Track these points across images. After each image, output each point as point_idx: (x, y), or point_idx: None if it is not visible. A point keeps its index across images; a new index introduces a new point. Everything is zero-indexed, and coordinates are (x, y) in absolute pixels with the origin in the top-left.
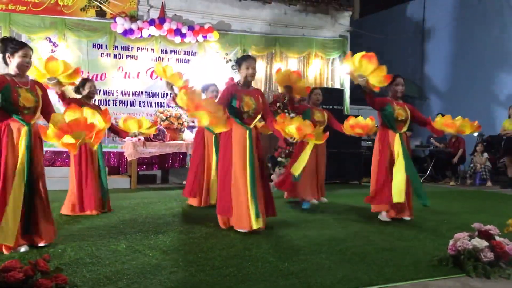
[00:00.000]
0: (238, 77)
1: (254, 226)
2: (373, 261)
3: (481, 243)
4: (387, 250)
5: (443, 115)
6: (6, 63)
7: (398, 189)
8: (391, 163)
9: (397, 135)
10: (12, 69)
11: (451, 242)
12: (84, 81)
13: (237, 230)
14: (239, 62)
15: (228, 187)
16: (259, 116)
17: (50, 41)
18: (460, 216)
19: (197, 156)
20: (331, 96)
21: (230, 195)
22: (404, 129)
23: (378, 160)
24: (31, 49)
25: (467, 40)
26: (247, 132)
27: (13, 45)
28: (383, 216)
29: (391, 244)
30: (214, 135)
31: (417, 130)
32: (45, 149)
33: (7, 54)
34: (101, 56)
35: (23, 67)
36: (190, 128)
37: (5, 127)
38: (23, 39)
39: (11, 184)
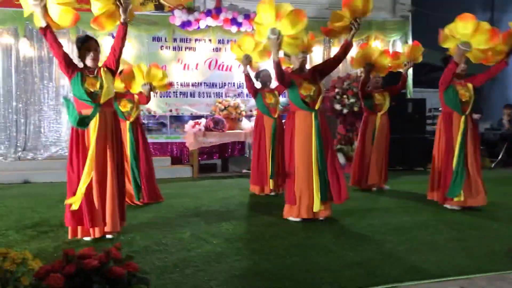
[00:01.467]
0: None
1: (316, 209)
2: (443, 251)
3: None
4: (458, 240)
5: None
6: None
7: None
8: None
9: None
10: (86, 63)
11: None
12: None
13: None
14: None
15: (292, 176)
16: (321, 97)
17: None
18: None
19: (256, 144)
20: (393, 79)
21: (294, 185)
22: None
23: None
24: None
25: None
26: (313, 114)
27: (82, 41)
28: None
29: (462, 234)
30: (273, 120)
31: (488, 113)
32: None
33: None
34: (161, 49)
35: (94, 61)
36: (248, 117)
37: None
38: None
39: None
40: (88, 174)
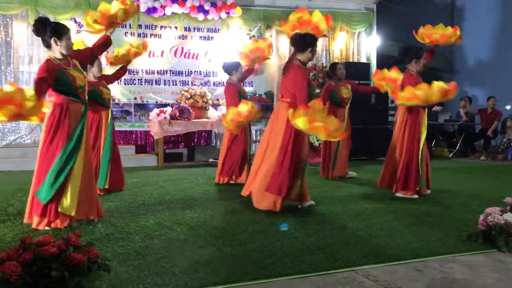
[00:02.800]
0: None
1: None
2: (400, 236)
3: None
4: (414, 225)
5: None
6: (49, 46)
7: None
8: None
9: None
10: (58, 51)
11: (481, 217)
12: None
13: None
14: None
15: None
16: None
17: (75, 21)
18: (491, 191)
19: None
20: (357, 71)
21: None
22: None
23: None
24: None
25: (498, 11)
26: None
27: (60, 28)
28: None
29: (419, 220)
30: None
31: (446, 104)
32: None
33: (54, 38)
34: (125, 35)
35: (70, 49)
36: (215, 106)
37: (66, 109)
38: None
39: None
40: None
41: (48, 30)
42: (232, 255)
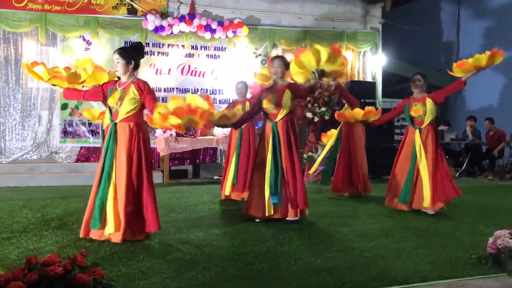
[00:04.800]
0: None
1: (267, 213)
2: (408, 258)
3: None
4: (422, 247)
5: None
6: (137, 67)
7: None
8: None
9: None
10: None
11: (490, 240)
12: None
13: (255, 218)
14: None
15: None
16: (283, 110)
17: (84, 39)
18: (498, 212)
19: (229, 152)
20: (363, 89)
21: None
22: (424, 124)
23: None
24: None
25: (503, 31)
26: (271, 125)
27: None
28: None
29: (426, 241)
30: (239, 130)
31: (453, 123)
32: (79, 145)
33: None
34: None
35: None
36: None
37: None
38: (58, 38)
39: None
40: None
41: (142, 53)
42: (238, 277)
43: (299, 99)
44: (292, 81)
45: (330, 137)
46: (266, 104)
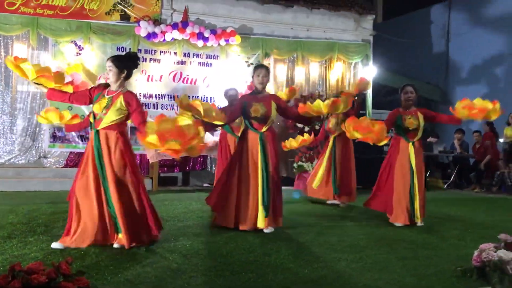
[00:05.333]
0: None
1: (260, 225)
2: (395, 270)
3: (508, 255)
4: (409, 258)
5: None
6: (130, 76)
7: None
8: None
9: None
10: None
11: (476, 253)
12: None
13: (241, 229)
14: (252, 72)
15: (229, 186)
16: (270, 121)
17: (76, 44)
18: (485, 224)
19: (220, 161)
20: (353, 100)
21: (230, 195)
22: (416, 138)
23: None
24: None
25: (492, 43)
26: (258, 136)
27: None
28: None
29: (413, 253)
30: (236, 139)
31: (442, 136)
32: (68, 150)
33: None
34: None
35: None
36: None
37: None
38: (50, 43)
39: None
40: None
41: (136, 63)
42: (225, 286)
43: (281, 115)
44: (272, 93)
45: (298, 141)
46: (254, 113)
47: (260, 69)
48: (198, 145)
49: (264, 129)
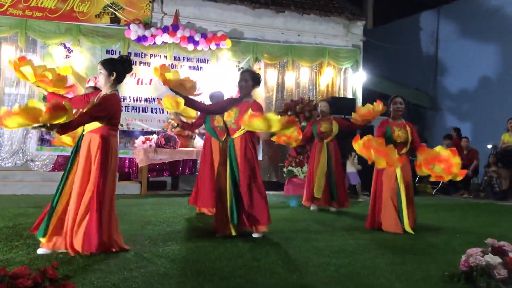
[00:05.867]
0: None
1: (233, 233)
2: (383, 275)
3: (495, 259)
4: (397, 264)
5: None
6: (121, 80)
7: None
8: None
9: None
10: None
11: (463, 257)
12: None
13: (217, 236)
14: None
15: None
16: (241, 128)
17: (65, 46)
18: (472, 230)
19: (202, 165)
20: (343, 105)
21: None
22: (404, 150)
23: None
24: None
25: (481, 51)
26: (228, 141)
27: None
28: None
29: (401, 258)
30: (220, 142)
31: (430, 141)
32: (56, 153)
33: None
34: None
35: None
36: (201, 135)
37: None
38: (39, 45)
39: None
40: None
41: (127, 67)
42: None
43: None
44: (256, 101)
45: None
46: (226, 117)
47: (241, 73)
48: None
49: (236, 135)
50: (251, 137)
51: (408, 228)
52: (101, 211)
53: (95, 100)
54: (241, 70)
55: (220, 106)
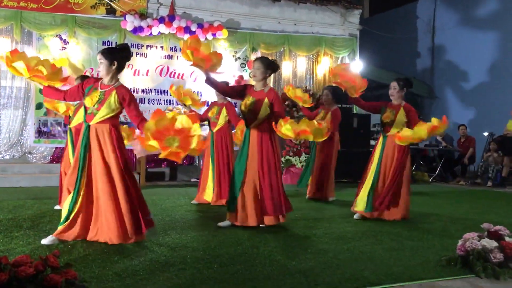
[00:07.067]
0: (246, 75)
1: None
2: (381, 260)
3: (491, 243)
4: (395, 249)
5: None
6: (122, 69)
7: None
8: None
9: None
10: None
11: (460, 242)
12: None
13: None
14: None
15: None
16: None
17: (61, 38)
18: (469, 216)
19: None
20: (340, 94)
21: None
22: (392, 131)
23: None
24: None
25: (477, 38)
26: (210, 134)
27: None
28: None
29: (399, 244)
30: (211, 133)
31: None
32: (54, 145)
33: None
34: None
35: None
36: (199, 125)
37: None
38: (34, 37)
39: None
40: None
41: (127, 55)
42: (213, 278)
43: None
44: (272, 89)
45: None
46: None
47: (254, 62)
48: (198, 143)
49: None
50: (269, 127)
51: (361, 208)
52: (133, 199)
53: (98, 90)
54: (255, 58)
55: (237, 90)
